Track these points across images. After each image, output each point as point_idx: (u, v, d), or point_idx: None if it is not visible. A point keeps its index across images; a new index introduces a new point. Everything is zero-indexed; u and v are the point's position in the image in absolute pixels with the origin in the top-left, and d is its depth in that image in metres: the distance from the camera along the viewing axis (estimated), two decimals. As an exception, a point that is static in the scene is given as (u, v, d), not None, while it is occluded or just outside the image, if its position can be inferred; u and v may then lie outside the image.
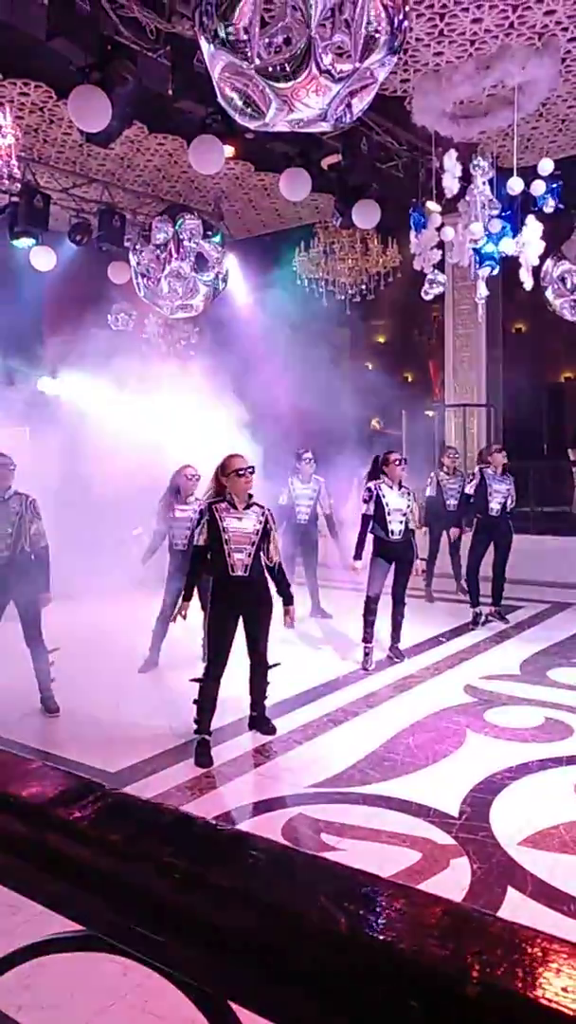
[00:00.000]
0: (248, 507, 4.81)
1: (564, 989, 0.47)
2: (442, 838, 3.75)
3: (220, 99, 4.40)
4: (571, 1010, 0.45)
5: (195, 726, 4.75)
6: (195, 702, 4.79)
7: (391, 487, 6.36)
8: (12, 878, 0.72)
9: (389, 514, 6.32)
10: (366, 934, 0.53)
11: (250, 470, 4.80)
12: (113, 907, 0.65)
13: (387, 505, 6.33)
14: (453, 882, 3.37)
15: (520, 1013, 0.46)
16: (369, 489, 6.41)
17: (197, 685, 4.84)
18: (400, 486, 6.39)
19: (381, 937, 0.52)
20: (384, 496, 6.34)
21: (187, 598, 4.96)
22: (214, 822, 0.69)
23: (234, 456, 4.86)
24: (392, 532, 6.33)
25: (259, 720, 5.09)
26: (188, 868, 0.62)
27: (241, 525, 4.75)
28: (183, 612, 4.98)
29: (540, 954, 0.50)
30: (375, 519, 6.35)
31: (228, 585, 4.77)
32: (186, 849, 0.64)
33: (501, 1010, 0.47)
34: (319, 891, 0.57)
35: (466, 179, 7.39)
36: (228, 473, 4.77)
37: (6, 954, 0.74)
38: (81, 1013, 2.58)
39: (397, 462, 6.39)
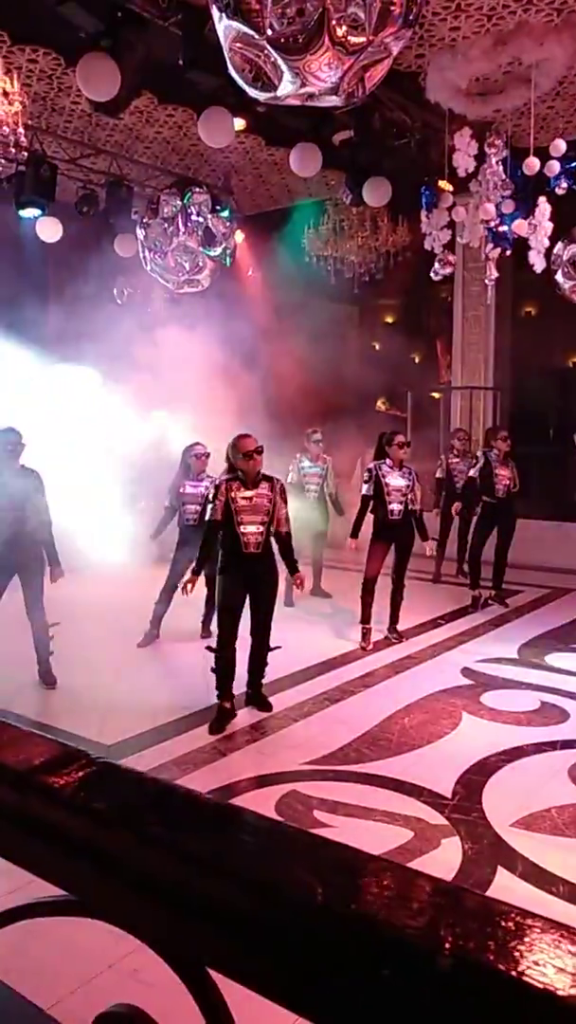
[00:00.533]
0: (257, 484, 4.90)
1: (536, 963, 0.47)
2: (434, 818, 3.78)
3: (231, 70, 4.33)
4: (540, 983, 0.45)
5: (216, 692, 4.91)
6: (213, 670, 4.93)
7: (392, 468, 6.35)
8: None
9: (389, 494, 6.32)
10: (341, 905, 0.53)
11: (258, 451, 4.88)
12: (95, 874, 0.65)
13: (387, 485, 6.32)
14: (443, 861, 3.41)
15: (491, 985, 0.47)
16: (370, 470, 6.41)
17: (211, 655, 4.96)
18: (401, 467, 6.37)
19: (356, 908, 0.53)
20: (384, 476, 6.32)
21: (196, 572, 5.09)
22: (197, 792, 0.69)
23: (243, 437, 4.94)
24: (392, 512, 6.32)
25: (255, 697, 5.13)
26: (170, 837, 0.62)
27: (251, 502, 4.87)
28: (191, 585, 5.09)
29: (514, 928, 0.50)
30: (375, 499, 6.34)
31: (239, 560, 4.89)
32: (168, 818, 0.65)
33: (473, 981, 0.47)
34: (298, 862, 0.58)
35: (480, 158, 7.30)
36: (238, 453, 4.87)
37: None
38: (72, 979, 2.61)
39: (400, 444, 6.36)
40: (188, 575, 5.22)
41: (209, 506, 5.03)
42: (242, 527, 4.85)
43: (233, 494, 4.86)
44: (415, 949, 0.49)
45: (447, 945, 0.49)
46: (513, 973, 0.46)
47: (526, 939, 0.49)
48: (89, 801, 0.67)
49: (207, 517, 5.04)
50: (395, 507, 6.33)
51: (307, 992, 0.54)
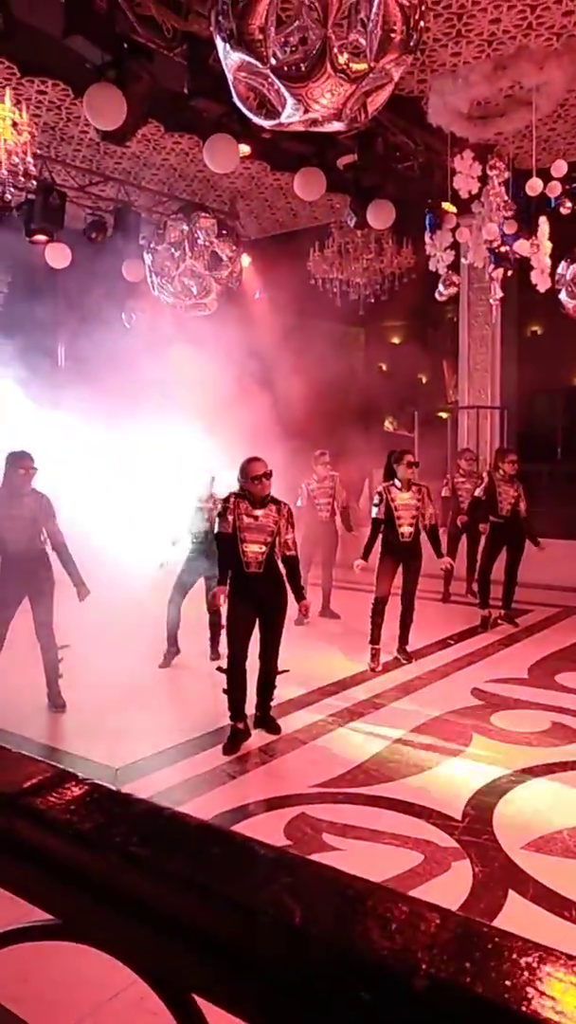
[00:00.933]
0: (264, 505, 4.95)
1: (514, 985, 0.47)
2: (444, 840, 3.74)
3: (235, 98, 4.40)
4: (516, 1006, 0.45)
5: (229, 713, 4.93)
6: (224, 691, 4.94)
7: (400, 488, 6.35)
8: None
9: (399, 517, 6.32)
10: (318, 927, 0.53)
11: (266, 475, 4.95)
12: (80, 897, 0.65)
13: (396, 508, 6.32)
14: (454, 885, 3.37)
15: (468, 1008, 0.47)
16: (379, 493, 6.41)
17: (222, 676, 4.97)
18: (410, 486, 6.37)
19: (333, 930, 0.53)
20: (394, 499, 6.33)
21: (221, 583, 5.09)
22: (182, 813, 0.69)
23: (253, 460, 5.00)
24: (403, 535, 6.32)
25: (264, 720, 5.11)
26: (153, 859, 0.62)
27: (257, 521, 4.93)
28: (219, 599, 5.10)
29: (491, 950, 0.50)
30: (385, 522, 6.35)
31: (243, 581, 4.92)
32: (153, 840, 0.65)
33: (447, 1004, 0.47)
34: (277, 883, 0.58)
35: (482, 180, 7.37)
36: (247, 477, 4.94)
37: None
38: (79, 1008, 2.60)
39: (409, 464, 6.36)
40: (214, 589, 5.24)
41: (219, 520, 5.08)
42: (244, 545, 4.89)
43: (240, 513, 4.91)
44: (391, 971, 0.49)
45: (423, 967, 0.48)
46: (490, 995, 0.46)
47: (505, 961, 0.49)
48: (75, 823, 0.67)
49: (216, 530, 5.08)
50: (406, 529, 6.33)
51: (288, 1017, 0.53)
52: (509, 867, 3.52)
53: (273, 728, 5.08)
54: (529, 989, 0.47)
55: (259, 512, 4.93)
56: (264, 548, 4.91)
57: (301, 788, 4.30)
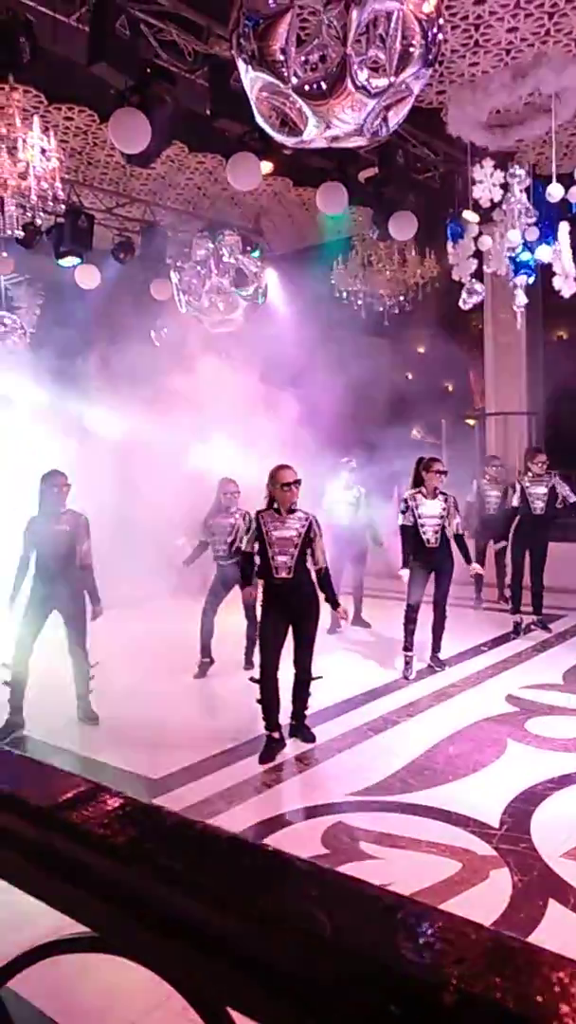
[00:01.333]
0: (291, 512, 5.04)
1: (546, 1000, 0.47)
2: (482, 849, 3.72)
3: (258, 118, 4.48)
4: (547, 1022, 0.46)
5: (263, 723, 4.98)
6: (258, 701, 4.99)
7: (426, 496, 6.37)
8: (21, 879, 0.74)
9: (423, 525, 6.34)
10: (349, 940, 0.54)
11: (296, 483, 5.02)
12: (114, 909, 0.66)
13: (420, 516, 6.35)
14: (493, 894, 3.34)
15: (496, 1022, 0.46)
16: (405, 501, 6.44)
17: (256, 687, 5.01)
18: (436, 494, 6.38)
19: (363, 944, 0.53)
20: (418, 507, 6.35)
21: (246, 583, 5.27)
22: (214, 827, 0.70)
23: (283, 468, 5.09)
24: (428, 541, 6.35)
25: (299, 728, 5.14)
26: (185, 872, 0.63)
27: (283, 532, 5.01)
28: (252, 594, 5.27)
29: (523, 965, 0.50)
30: (413, 532, 6.37)
31: (274, 588, 5.00)
32: (184, 853, 0.66)
33: (477, 1019, 0.46)
34: (307, 897, 0.58)
35: (503, 188, 7.39)
36: (276, 484, 5.03)
37: (14, 957, 0.76)
38: (121, 1018, 2.62)
39: (437, 472, 6.37)
40: (245, 588, 5.37)
41: (245, 537, 5.22)
42: (274, 555, 5.00)
43: (266, 523, 5.01)
44: (420, 985, 0.49)
45: (453, 981, 0.48)
46: (521, 1011, 0.46)
47: (536, 976, 0.48)
48: (109, 836, 0.68)
49: (240, 546, 5.24)
50: (430, 536, 6.35)
51: None
52: (548, 876, 3.48)
53: (308, 737, 5.11)
54: (562, 1005, 0.46)
55: (285, 523, 5.02)
56: (293, 553, 4.99)
57: (337, 797, 4.32)
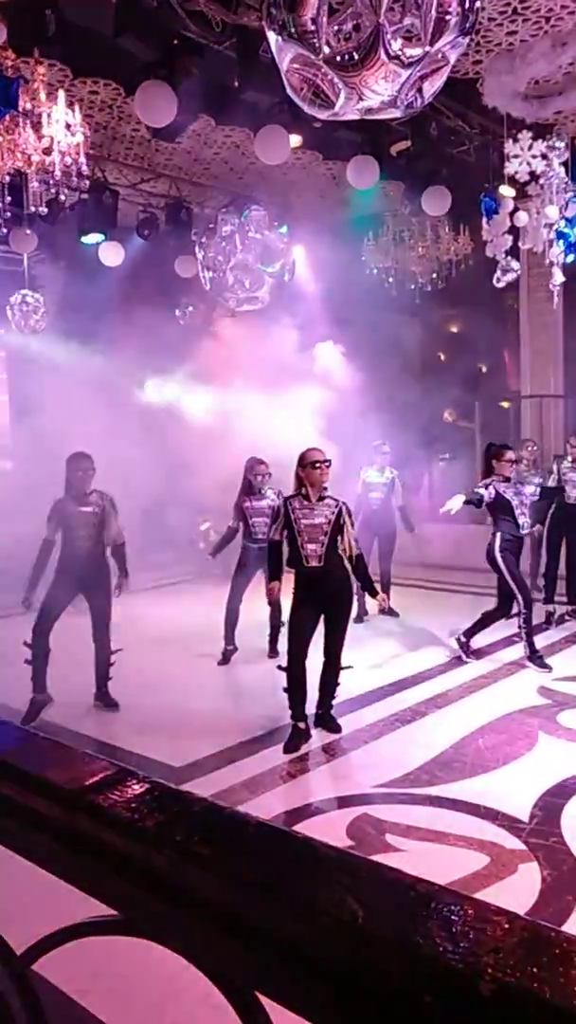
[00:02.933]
0: (321, 499, 4.92)
1: None
2: (511, 842, 3.66)
3: (288, 90, 4.33)
4: None
5: (290, 712, 4.92)
6: (285, 690, 4.92)
7: (504, 482, 6.09)
8: (50, 861, 0.75)
9: (516, 507, 6.09)
10: (382, 928, 0.53)
11: (326, 463, 4.92)
12: (142, 893, 0.66)
13: (511, 500, 6.07)
14: (522, 888, 3.30)
15: (534, 1013, 0.45)
16: (494, 489, 6.08)
17: (282, 675, 4.95)
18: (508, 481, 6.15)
19: (396, 931, 0.52)
20: (504, 492, 6.07)
21: (273, 579, 5.22)
22: (242, 812, 0.70)
23: (312, 449, 5.02)
24: (523, 526, 6.14)
25: (325, 718, 5.08)
26: (214, 857, 0.63)
27: (313, 519, 4.90)
28: (274, 592, 5.20)
29: (559, 955, 0.48)
30: (506, 515, 6.09)
31: (305, 576, 4.91)
32: (213, 838, 0.65)
33: (514, 1008, 0.46)
34: (339, 883, 0.57)
35: (543, 158, 7.14)
36: (305, 464, 4.92)
37: (40, 938, 0.76)
38: (145, 1004, 2.61)
39: (510, 461, 6.07)
40: (268, 584, 5.29)
41: (273, 525, 5.13)
42: (304, 543, 4.89)
43: (294, 508, 4.90)
44: (456, 974, 0.48)
45: (489, 971, 0.47)
46: (558, 1000, 0.45)
47: (573, 966, 0.47)
48: (137, 820, 0.68)
49: (270, 536, 5.13)
50: (523, 520, 6.11)
51: (351, 1018, 0.53)
52: (580, 872, 3.41)
53: (334, 727, 5.04)
54: None
55: (315, 507, 4.90)
56: (323, 541, 4.87)
57: (363, 788, 4.26)
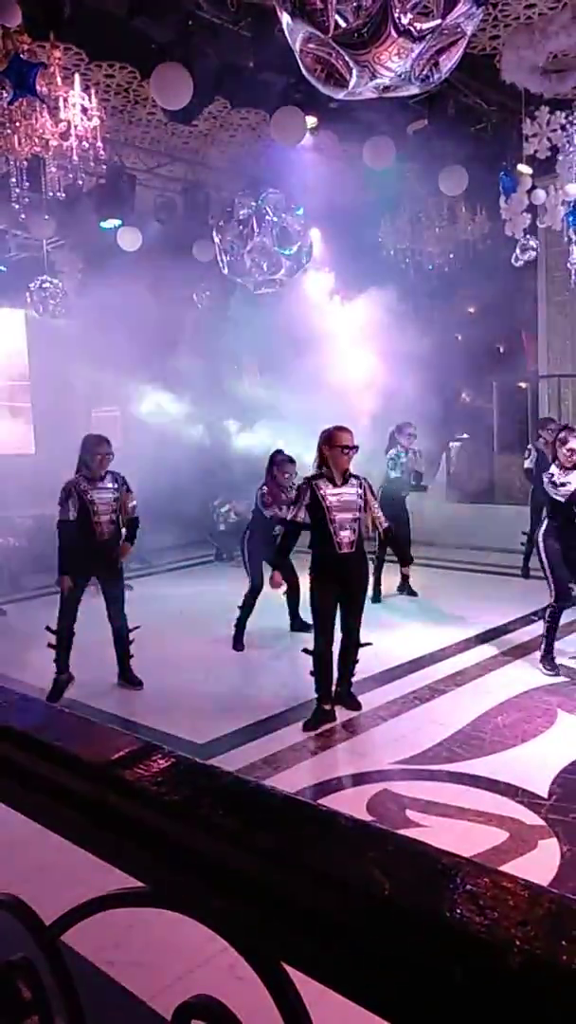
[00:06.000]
0: (345, 481, 4.82)
1: None
2: (531, 818, 3.67)
3: (303, 70, 4.31)
4: None
5: (315, 693, 4.91)
6: (312, 673, 4.90)
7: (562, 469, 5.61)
8: (78, 834, 0.76)
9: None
10: (409, 900, 0.53)
11: (354, 449, 4.81)
12: (168, 864, 0.67)
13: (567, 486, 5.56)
14: (541, 863, 3.31)
15: (563, 986, 0.45)
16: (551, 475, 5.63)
17: (308, 657, 4.95)
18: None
19: (424, 903, 0.52)
20: (558, 479, 5.56)
21: (276, 566, 5.14)
22: (268, 786, 0.70)
23: (342, 431, 4.83)
24: None
25: (345, 695, 5.11)
26: (240, 829, 0.64)
27: (341, 498, 4.77)
28: (278, 580, 5.13)
29: None
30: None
31: (334, 562, 4.79)
32: (239, 811, 0.66)
33: (543, 981, 0.46)
34: (365, 855, 0.58)
35: (562, 130, 7.05)
36: (334, 446, 4.77)
37: (68, 910, 0.77)
38: (170, 973, 2.65)
39: (572, 452, 5.51)
40: (273, 572, 5.20)
41: (292, 506, 4.96)
42: (335, 525, 4.74)
43: (322, 492, 4.76)
44: (484, 946, 0.48)
45: (517, 943, 0.47)
46: None
47: None
48: (163, 794, 0.68)
49: (289, 517, 4.95)
50: None
51: (376, 988, 0.53)
52: (599, 847, 3.43)
53: (354, 704, 5.07)
54: None
55: (342, 489, 4.79)
56: (355, 524, 4.80)
57: (383, 764, 4.29)
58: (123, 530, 5.69)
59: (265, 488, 6.38)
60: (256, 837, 0.62)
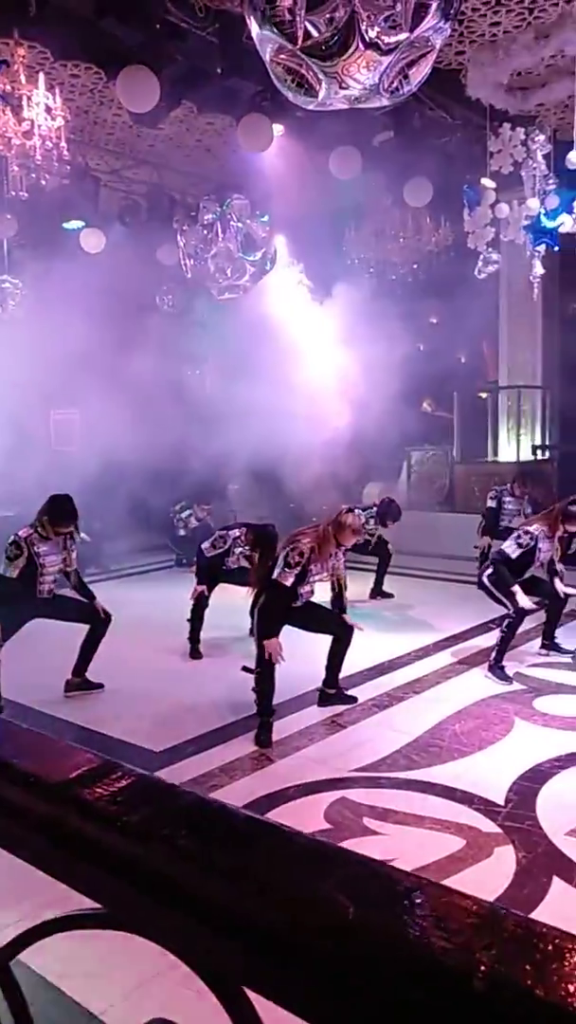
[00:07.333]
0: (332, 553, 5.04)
1: (574, 987, 0.45)
2: (487, 826, 3.71)
3: (274, 80, 4.32)
4: None
5: (257, 708, 4.84)
6: (254, 690, 4.86)
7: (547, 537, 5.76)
8: (33, 855, 0.74)
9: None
10: (373, 923, 0.52)
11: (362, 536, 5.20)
12: (127, 886, 0.65)
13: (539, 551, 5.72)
14: (497, 870, 3.34)
15: (528, 1010, 0.45)
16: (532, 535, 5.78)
17: (251, 675, 4.93)
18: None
19: (387, 926, 0.52)
20: (527, 542, 5.71)
21: (270, 635, 4.81)
22: (231, 805, 0.69)
23: (357, 517, 5.17)
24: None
25: (337, 695, 5.23)
26: (201, 850, 0.62)
27: (324, 569, 5.05)
28: (277, 654, 4.77)
29: (552, 951, 0.48)
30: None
31: (287, 609, 4.94)
32: (201, 832, 0.65)
33: (508, 1006, 0.45)
34: (329, 878, 0.57)
35: (524, 146, 7.17)
36: (344, 529, 4.96)
37: (23, 931, 0.75)
38: (123, 986, 2.62)
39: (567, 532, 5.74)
40: (267, 642, 4.80)
41: (284, 569, 4.79)
42: (304, 588, 4.95)
43: (312, 566, 4.89)
44: (449, 970, 0.48)
45: (482, 967, 0.47)
46: (552, 997, 0.44)
47: (567, 962, 0.47)
48: (122, 814, 0.67)
49: (277, 576, 4.80)
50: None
51: (340, 1013, 0.52)
52: (553, 853, 3.47)
53: (349, 699, 5.26)
54: None
55: (330, 563, 5.04)
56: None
57: (341, 772, 4.29)
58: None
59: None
60: (217, 858, 0.61)
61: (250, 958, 0.57)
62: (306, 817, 3.73)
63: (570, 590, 6.02)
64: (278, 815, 3.76)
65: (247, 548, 6.13)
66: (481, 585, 5.95)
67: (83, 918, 0.73)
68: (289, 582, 4.77)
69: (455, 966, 0.47)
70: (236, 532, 6.26)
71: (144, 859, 0.64)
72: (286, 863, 0.60)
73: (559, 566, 5.95)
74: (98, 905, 0.70)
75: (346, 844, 3.49)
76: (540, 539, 5.67)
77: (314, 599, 5.14)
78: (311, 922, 0.54)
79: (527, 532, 5.74)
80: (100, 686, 5.56)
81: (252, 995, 0.61)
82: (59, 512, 5.28)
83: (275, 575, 4.80)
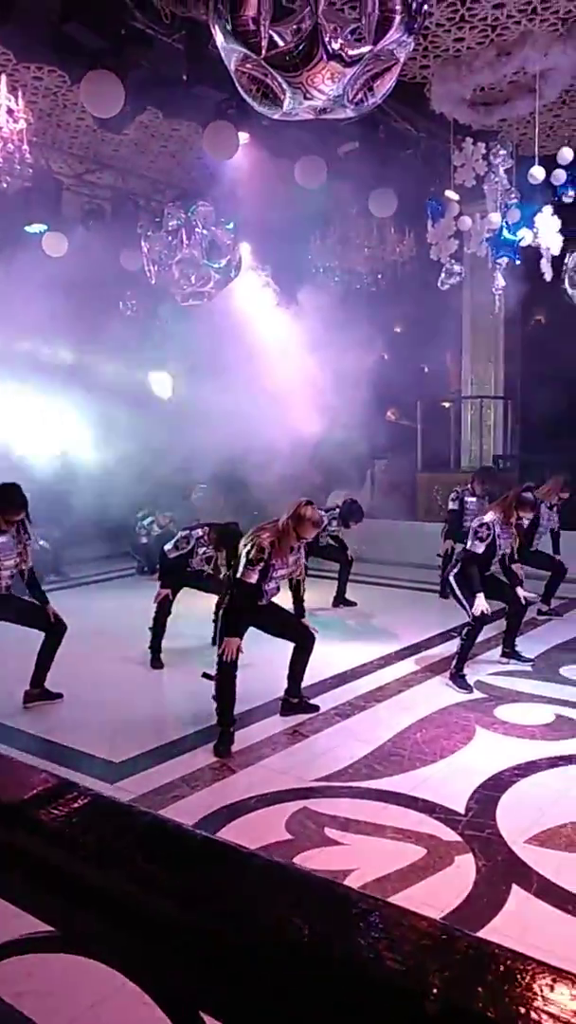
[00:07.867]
0: (292, 548, 4.99)
1: (527, 1010, 0.45)
2: (448, 835, 3.71)
3: (240, 89, 4.33)
4: None
5: (218, 717, 4.78)
6: (214, 698, 4.81)
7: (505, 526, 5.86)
8: None
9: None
10: (329, 946, 0.52)
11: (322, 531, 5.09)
12: (82, 910, 0.65)
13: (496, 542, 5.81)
14: (457, 879, 3.35)
15: None
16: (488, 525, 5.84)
17: (211, 682, 4.86)
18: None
19: (342, 949, 0.52)
20: (485, 536, 5.76)
21: (233, 633, 4.78)
22: (188, 827, 0.68)
23: (316, 511, 5.04)
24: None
25: (299, 704, 5.22)
26: (157, 873, 0.62)
27: (286, 565, 4.98)
28: (234, 651, 4.73)
29: (504, 973, 0.48)
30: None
31: (253, 607, 4.90)
32: (156, 853, 0.64)
33: None
34: (285, 900, 0.57)
35: (485, 165, 7.29)
36: (303, 521, 4.89)
37: None
38: (80, 1003, 2.57)
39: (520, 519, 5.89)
40: (227, 640, 4.76)
41: (246, 566, 4.75)
42: (268, 586, 4.90)
43: (274, 571, 4.87)
44: (401, 992, 0.48)
45: (435, 990, 0.47)
46: (503, 1020, 0.45)
47: (518, 984, 0.48)
48: (77, 835, 0.66)
49: (240, 575, 4.76)
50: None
51: None
52: (512, 861, 3.48)
53: (311, 707, 5.24)
54: (544, 1016, 0.45)
55: (291, 558, 4.98)
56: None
57: (303, 782, 4.27)
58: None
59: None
60: (173, 880, 0.61)
61: (207, 981, 0.57)
62: (267, 828, 3.71)
63: (531, 595, 6.09)
64: (239, 827, 3.73)
65: (210, 548, 6.10)
66: (446, 585, 5.98)
67: (35, 941, 0.71)
68: (253, 579, 4.74)
69: (408, 988, 0.48)
70: (199, 532, 6.21)
71: (98, 881, 0.63)
72: (243, 885, 0.60)
73: (518, 568, 6.01)
74: (50, 928, 0.68)
75: (307, 854, 3.48)
76: (496, 527, 5.74)
77: (277, 600, 5.11)
78: (268, 945, 0.54)
79: (483, 524, 5.79)
80: (59, 696, 5.47)
81: (208, 1019, 0.60)
82: (6, 499, 5.19)
83: (238, 574, 4.78)
